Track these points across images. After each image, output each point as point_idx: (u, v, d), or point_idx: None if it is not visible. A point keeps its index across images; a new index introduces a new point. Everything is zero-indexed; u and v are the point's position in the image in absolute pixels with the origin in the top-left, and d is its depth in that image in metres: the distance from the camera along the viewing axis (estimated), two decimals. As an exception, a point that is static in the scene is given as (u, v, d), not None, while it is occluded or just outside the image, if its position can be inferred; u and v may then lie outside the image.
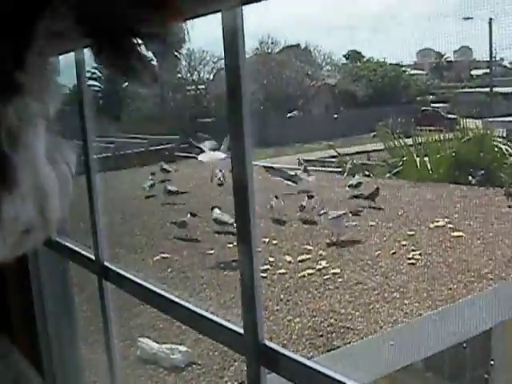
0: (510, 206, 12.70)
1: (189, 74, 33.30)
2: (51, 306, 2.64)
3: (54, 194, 0.90)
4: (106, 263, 2.07)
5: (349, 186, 14.42)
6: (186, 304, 1.63)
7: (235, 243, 1.39)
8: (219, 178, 15.86)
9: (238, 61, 1.37)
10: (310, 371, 1.24)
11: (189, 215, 12.54)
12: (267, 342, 1.36)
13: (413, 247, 11.00)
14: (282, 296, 9.41)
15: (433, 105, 27.07)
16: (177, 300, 1.65)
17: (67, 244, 2.41)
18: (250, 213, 1.37)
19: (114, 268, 2.01)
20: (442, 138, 17.72)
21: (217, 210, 12.20)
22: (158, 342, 8.37)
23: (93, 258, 2.12)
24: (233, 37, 1.38)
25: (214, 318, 1.53)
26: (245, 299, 1.39)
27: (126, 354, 7.86)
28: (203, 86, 31.49)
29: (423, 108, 26.60)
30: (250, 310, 1.38)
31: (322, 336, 8.26)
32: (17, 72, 0.75)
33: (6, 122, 0.77)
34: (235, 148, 1.41)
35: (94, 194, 2.11)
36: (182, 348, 8.20)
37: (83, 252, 2.26)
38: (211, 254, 11.50)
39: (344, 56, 33.95)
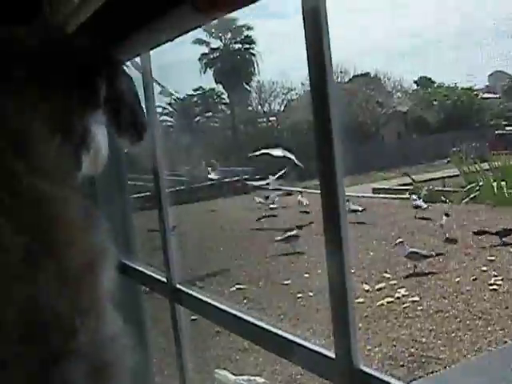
0: None
1: (260, 107, 33.56)
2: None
3: (102, 152, 1.45)
4: (178, 285, 1.94)
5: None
6: (270, 327, 1.48)
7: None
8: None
9: (325, 87, 1.25)
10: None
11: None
12: (363, 367, 1.19)
13: (494, 273, 10.67)
14: (360, 325, 9.20)
15: (507, 128, 26.55)
16: (259, 324, 1.51)
17: (138, 267, 2.31)
18: (341, 232, 1.22)
19: (186, 290, 1.88)
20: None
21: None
22: (234, 374, 8.23)
23: (165, 280, 2.00)
24: (320, 61, 1.28)
25: (302, 342, 1.37)
26: (337, 320, 1.23)
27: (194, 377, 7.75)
28: (274, 118, 31.61)
29: (497, 132, 26.14)
30: (342, 332, 1.22)
31: (403, 366, 8.02)
32: None
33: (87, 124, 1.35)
34: (324, 176, 1.27)
35: (165, 220, 2.02)
36: (260, 380, 8.04)
37: (154, 275, 2.14)
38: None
39: (414, 82, 33.73)
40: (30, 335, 1.07)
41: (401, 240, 11.76)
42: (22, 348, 1.06)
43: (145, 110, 2.00)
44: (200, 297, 1.80)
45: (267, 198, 18.15)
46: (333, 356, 1.26)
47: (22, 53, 1.32)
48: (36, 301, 1.07)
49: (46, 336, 1.08)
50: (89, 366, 1.11)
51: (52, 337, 1.08)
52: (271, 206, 17.94)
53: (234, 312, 1.61)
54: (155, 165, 2.08)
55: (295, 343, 1.38)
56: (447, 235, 12.93)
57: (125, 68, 1.49)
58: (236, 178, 22.92)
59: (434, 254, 11.53)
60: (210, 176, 22.78)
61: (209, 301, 1.77)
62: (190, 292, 1.86)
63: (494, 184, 16.59)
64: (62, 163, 1.27)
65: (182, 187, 20.45)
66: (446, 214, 13.32)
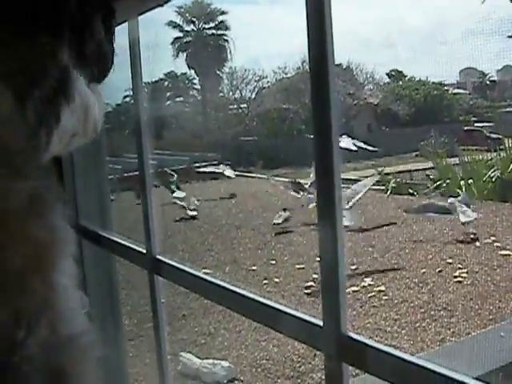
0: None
1: (231, 93, 33.45)
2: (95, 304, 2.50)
3: (93, 111, 1.25)
4: (158, 256, 1.92)
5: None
6: (254, 297, 1.46)
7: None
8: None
9: (326, 66, 1.23)
10: (407, 366, 1.06)
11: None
12: (352, 334, 1.18)
13: (459, 265, 10.77)
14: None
15: (476, 124, 26.74)
16: (244, 293, 1.49)
17: (114, 238, 2.28)
18: (336, 210, 1.21)
19: (167, 261, 1.86)
20: (485, 157, 17.52)
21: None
22: (199, 358, 8.23)
23: (144, 251, 1.97)
24: (320, 40, 1.24)
25: (289, 310, 1.35)
26: (326, 287, 1.22)
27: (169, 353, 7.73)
28: (245, 105, 31.54)
29: (466, 127, 26.32)
30: (331, 299, 1.21)
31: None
32: None
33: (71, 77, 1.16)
34: (321, 159, 1.25)
35: (147, 189, 2.00)
36: (225, 363, 8.05)
37: (132, 245, 2.11)
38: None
39: (386, 74, 33.82)
40: None
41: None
42: None
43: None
44: (181, 267, 1.78)
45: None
46: (320, 324, 1.25)
47: None
48: None
49: None
50: (44, 374, 1.00)
51: None
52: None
53: (217, 282, 1.59)
54: (139, 143, 2.04)
55: (282, 311, 1.37)
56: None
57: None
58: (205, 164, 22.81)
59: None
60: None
61: (191, 271, 1.74)
62: (171, 262, 1.84)
63: (462, 179, 16.74)
64: (10, 140, 1.05)
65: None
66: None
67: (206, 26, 34.98)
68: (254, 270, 11.53)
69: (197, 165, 22.51)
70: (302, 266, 11.26)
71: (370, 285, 10.22)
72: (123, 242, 2.19)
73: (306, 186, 15.23)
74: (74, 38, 1.14)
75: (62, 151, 1.33)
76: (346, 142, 14.97)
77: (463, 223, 12.27)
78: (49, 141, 1.15)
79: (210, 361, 8.15)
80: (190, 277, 1.73)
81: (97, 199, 2.57)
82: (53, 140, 1.16)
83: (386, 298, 9.74)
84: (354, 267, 10.91)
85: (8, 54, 1.09)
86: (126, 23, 1.96)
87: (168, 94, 34.07)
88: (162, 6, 1.78)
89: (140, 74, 2.04)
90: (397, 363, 1.08)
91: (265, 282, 10.86)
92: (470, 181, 16.40)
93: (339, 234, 1.18)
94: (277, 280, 10.90)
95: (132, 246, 2.11)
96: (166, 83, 34.60)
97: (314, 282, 10.35)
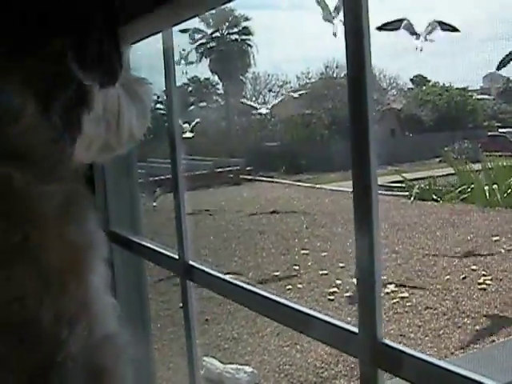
0: None
1: (254, 98, 33.50)
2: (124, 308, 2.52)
3: (127, 120, 1.24)
4: (191, 262, 1.94)
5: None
6: (289, 303, 1.47)
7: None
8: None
9: (364, 70, 1.24)
10: (442, 372, 1.07)
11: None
12: (387, 341, 1.20)
13: (483, 272, 10.71)
14: (349, 319, 9.20)
15: (500, 130, 26.59)
16: (276, 299, 1.50)
17: (145, 243, 2.30)
18: (372, 213, 1.22)
19: (200, 267, 1.88)
20: (510, 163, 17.41)
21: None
22: (223, 362, 8.24)
23: (176, 256, 1.99)
24: (357, 43, 1.24)
25: (323, 316, 1.37)
26: (362, 294, 1.23)
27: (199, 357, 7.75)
28: (268, 110, 31.57)
29: (490, 133, 26.19)
30: (367, 306, 1.22)
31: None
32: None
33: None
34: (358, 163, 1.26)
35: (180, 196, 2.01)
36: (248, 369, 8.05)
37: (165, 251, 2.13)
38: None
39: (410, 80, 33.73)
40: (16, 341, 1.00)
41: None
42: (9, 352, 1.00)
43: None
44: (214, 273, 1.80)
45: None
46: (355, 330, 1.26)
47: None
48: (18, 304, 1.00)
49: (33, 346, 1.01)
50: (85, 373, 1.06)
51: (38, 348, 1.01)
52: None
53: (250, 288, 1.61)
54: (173, 147, 2.05)
55: (315, 318, 1.38)
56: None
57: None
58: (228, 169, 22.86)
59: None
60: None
61: (223, 277, 1.76)
62: (204, 268, 1.86)
63: (486, 185, 16.64)
64: (37, 144, 1.10)
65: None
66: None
67: (230, 32, 35.09)
68: (276, 275, 11.53)
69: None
70: (326, 272, 11.25)
71: (393, 291, 10.18)
72: (155, 248, 2.21)
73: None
74: (78, 44, 1.14)
75: (95, 159, 1.39)
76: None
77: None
78: (72, 147, 1.16)
79: (234, 366, 8.16)
80: (222, 283, 1.75)
81: (128, 204, 2.59)
82: (76, 147, 1.16)
83: (409, 304, 9.70)
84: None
85: (29, 61, 1.11)
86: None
87: (192, 99, 34.17)
88: (195, 17, 1.81)
89: (174, 81, 2.05)
90: (432, 370, 1.10)
91: (288, 287, 10.85)
92: (495, 186, 16.29)
93: (376, 240, 1.20)
94: (300, 286, 10.90)
95: (164, 252, 2.13)
96: (190, 88, 34.73)
97: (338, 288, 10.34)
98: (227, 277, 1.76)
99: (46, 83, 1.11)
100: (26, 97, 1.09)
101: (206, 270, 1.86)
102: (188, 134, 23.75)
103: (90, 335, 1.06)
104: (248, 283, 1.64)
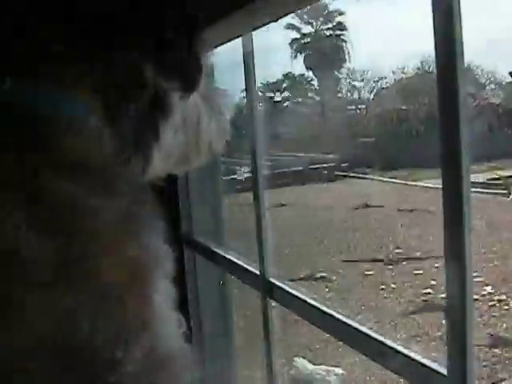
0: None
1: (349, 94, 33.28)
2: (207, 322, 2.51)
3: (207, 130, 1.21)
4: (271, 279, 1.89)
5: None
6: (373, 334, 1.40)
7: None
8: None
9: (455, 64, 1.16)
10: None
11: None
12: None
13: None
14: (443, 322, 9.00)
15: None
16: (357, 326, 1.44)
17: (227, 256, 2.27)
18: (464, 232, 1.14)
19: (280, 285, 1.83)
20: None
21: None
22: (313, 363, 8.20)
23: (257, 272, 1.95)
24: (448, 42, 1.22)
25: (408, 353, 1.29)
26: (452, 334, 1.15)
27: (279, 372, 7.75)
28: (363, 106, 31.31)
29: None
30: (457, 347, 1.13)
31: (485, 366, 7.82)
32: None
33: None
34: (447, 161, 1.18)
35: (261, 210, 1.97)
36: (338, 370, 7.99)
37: (246, 266, 2.10)
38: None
39: (509, 74, 32.86)
40: (66, 367, 0.94)
41: None
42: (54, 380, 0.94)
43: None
44: (294, 292, 1.75)
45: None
46: (444, 372, 1.17)
47: None
48: (71, 325, 0.94)
49: (84, 370, 0.95)
50: None
51: (89, 371, 0.95)
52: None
53: (331, 313, 1.55)
54: (253, 147, 2.02)
55: (400, 352, 1.31)
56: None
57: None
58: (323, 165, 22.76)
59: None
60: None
61: (303, 297, 1.71)
62: (284, 287, 1.81)
63: None
64: (97, 156, 1.05)
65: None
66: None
67: (324, 27, 34.95)
68: (371, 274, 11.40)
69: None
70: (421, 272, 11.05)
71: (490, 293, 9.91)
72: (236, 261, 2.18)
73: None
74: (154, 48, 1.09)
75: (171, 171, 1.32)
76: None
77: None
78: (148, 158, 1.12)
79: (324, 367, 8.12)
80: (301, 303, 1.70)
81: (211, 214, 2.57)
82: (153, 158, 1.12)
83: (506, 307, 9.42)
84: (474, 274, 10.61)
85: (100, 67, 1.07)
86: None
87: (286, 94, 34.21)
88: (275, 21, 1.76)
89: (254, 87, 2.03)
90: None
91: (382, 287, 10.72)
92: None
93: (468, 275, 1.12)
94: (394, 286, 10.74)
95: (245, 266, 2.10)
96: (285, 84, 34.77)
97: (432, 289, 10.14)
98: (306, 297, 1.70)
99: (116, 91, 1.08)
100: (93, 107, 1.06)
101: (286, 288, 1.81)
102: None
103: (149, 355, 1.01)
104: (330, 308, 1.57)
